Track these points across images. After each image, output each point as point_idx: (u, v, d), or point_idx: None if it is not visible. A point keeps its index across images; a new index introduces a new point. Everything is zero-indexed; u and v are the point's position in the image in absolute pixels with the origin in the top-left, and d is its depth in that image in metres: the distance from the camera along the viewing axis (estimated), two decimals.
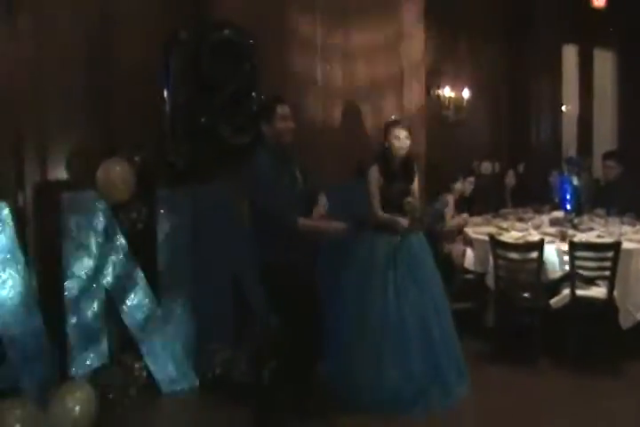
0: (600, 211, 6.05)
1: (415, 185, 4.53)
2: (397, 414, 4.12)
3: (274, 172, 3.81)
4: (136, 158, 4.54)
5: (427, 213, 4.40)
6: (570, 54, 8.28)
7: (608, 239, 5.11)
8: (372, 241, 4.42)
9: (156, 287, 4.64)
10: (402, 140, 4.38)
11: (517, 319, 5.06)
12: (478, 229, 5.69)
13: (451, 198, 5.89)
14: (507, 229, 5.59)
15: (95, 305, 4.41)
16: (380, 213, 4.41)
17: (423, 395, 4.19)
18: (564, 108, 8.19)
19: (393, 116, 4.45)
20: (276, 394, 3.92)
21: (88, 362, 4.31)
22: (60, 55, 4.52)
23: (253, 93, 4.88)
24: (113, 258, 4.47)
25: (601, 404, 4.34)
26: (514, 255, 5.04)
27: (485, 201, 6.12)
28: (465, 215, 5.99)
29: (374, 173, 4.45)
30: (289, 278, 3.80)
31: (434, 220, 4.37)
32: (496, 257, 5.06)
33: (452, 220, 5.84)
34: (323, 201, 3.96)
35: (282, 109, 3.88)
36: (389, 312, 4.25)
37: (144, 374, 4.44)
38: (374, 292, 4.30)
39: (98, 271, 4.42)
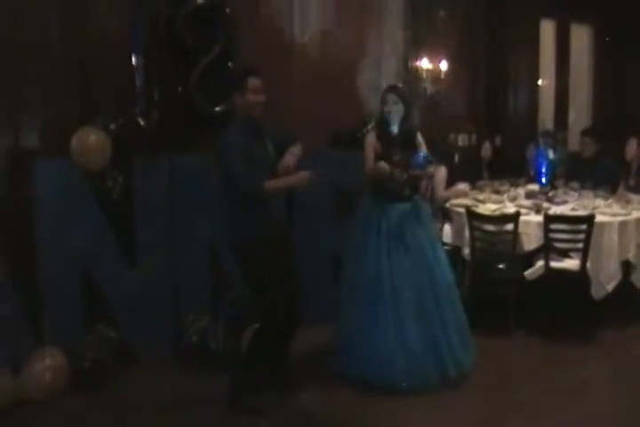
0: (574, 184, 6.10)
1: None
2: (392, 388, 4.06)
3: (243, 141, 3.73)
4: (112, 126, 4.47)
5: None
6: (547, 28, 8.26)
7: (582, 212, 5.16)
8: (367, 209, 4.38)
9: (132, 257, 4.60)
10: (390, 104, 4.33)
11: (493, 291, 5.10)
12: (455, 202, 5.70)
13: (444, 171, 5.74)
14: (483, 202, 5.61)
15: (70, 275, 4.37)
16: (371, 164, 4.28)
17: (419, 369, 4.11)
18: (540, 81, 8.19)
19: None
20: (253, 363, 3.92)
21: (63, 331, 4.28)
22: (31, 24, 4.43)
23: (230, 63, 4.85)
24: (88, 228, 4.41)
25: (573, 372, 4.45)
26: (490, 227, 5.08)
27: (462, 173, 6.10)
28: (463, 185, 5.86)
29: (370, 138, 4.39)
30: (261, 251, 3.77)
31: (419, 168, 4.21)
32: (472, 229, 5.09)
33: (444, 191, 5.73)
34: (295, 150, 3.86)
35: (253, 82, 3.77)
36: (381, 281, 4.19)
37: (120, 343, 4.40)
38: (368, 261, 4.24)
39: (73, 241, 4.36)
